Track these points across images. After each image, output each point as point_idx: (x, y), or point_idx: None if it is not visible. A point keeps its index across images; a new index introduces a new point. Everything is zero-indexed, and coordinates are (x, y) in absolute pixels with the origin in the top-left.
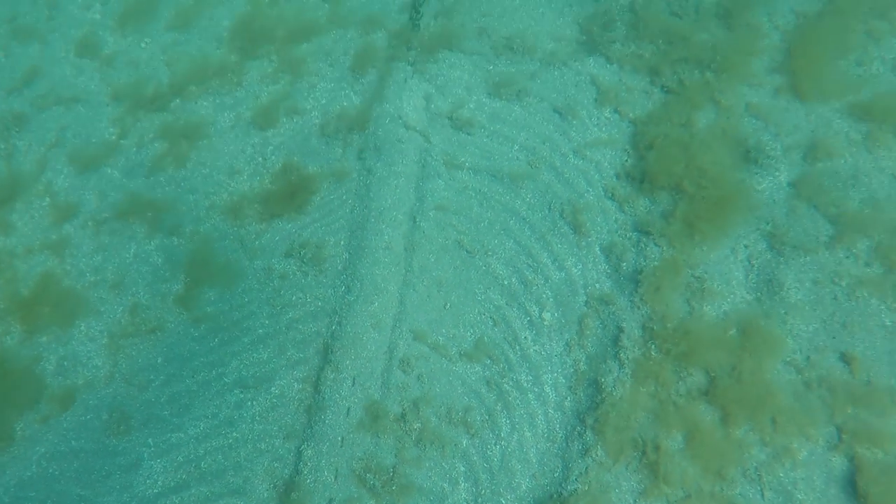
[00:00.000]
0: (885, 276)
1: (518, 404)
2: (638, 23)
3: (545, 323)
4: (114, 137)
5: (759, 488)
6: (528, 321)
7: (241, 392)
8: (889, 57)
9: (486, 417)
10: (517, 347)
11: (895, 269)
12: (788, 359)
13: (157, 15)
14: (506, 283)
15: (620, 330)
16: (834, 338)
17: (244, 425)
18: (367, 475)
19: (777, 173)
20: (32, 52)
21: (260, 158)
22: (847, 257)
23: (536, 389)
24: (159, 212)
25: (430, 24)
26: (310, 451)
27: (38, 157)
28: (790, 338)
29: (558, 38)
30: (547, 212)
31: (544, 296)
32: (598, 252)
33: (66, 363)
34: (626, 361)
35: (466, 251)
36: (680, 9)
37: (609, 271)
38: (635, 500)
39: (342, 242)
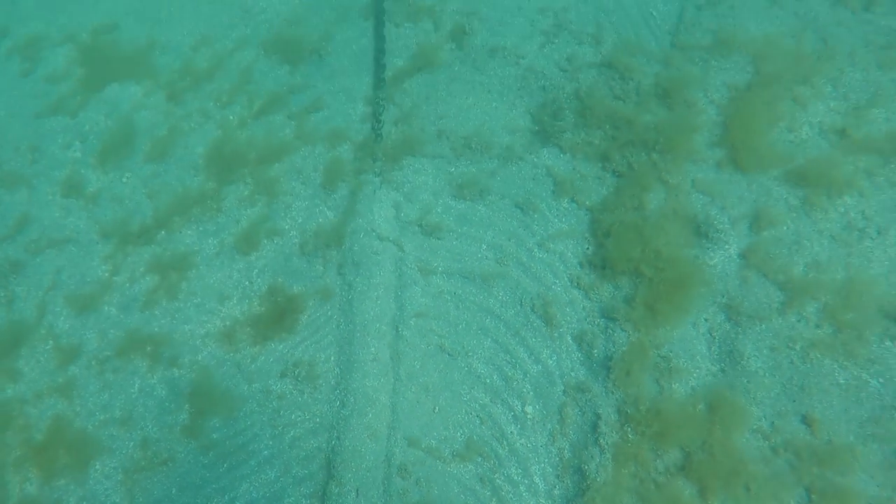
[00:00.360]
0: (834, 335)
1: (511, 498)
2: (584, 110)
3: (528, 416)
4: (107, 275)
5: None
6: (513, 416)
7: None
8: (815, 121)
9: None
10: (505, 443)
11: (843, 328)
12: (755, 426)
13: (134, 148)
14: (488, 381)
15: (598, 416)
16: (794, 401)
17: None
18: None
19: (727, 246)
20: (20, 197)
21: (247, 282)
22: (798, 321)
23: (527, 481)
24: (158, 345)
25: (391, 131)
26: None
27: (38, 301)
28: (754, 405)
29: (513, 130)
30: (519, 307)
31: (525, 390)
32: (570, 341)
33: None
34: (606, 446)
35: (448, 354)
36: (622, 92)
37: (582, 359)
38: None
39: (332, 358)
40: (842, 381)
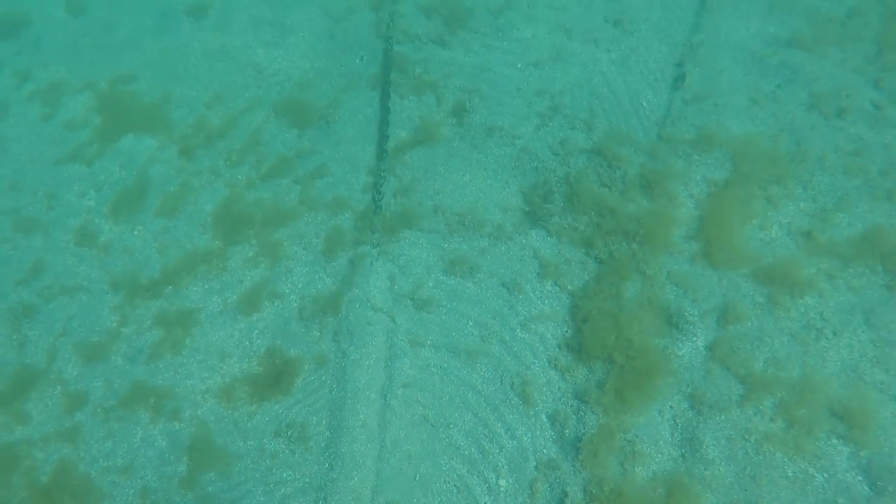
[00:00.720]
0: (786, 430)
1: None
2: (573, 195)
3: (502, 489)
4: (115, 325)
5: None
6: (487, 488)
7: None
8: (785, 221)
9: None
10: None
11: (795, 423)
12: None
13: (146, 202)
14: (466, 453)
15: (565, 493)
16: (745, 490)
17: None
18: None
19: (695, 338)
20: (36, 243)
21: (247, 342)
22: (755, 414)
23: None
24: (161, 398)
25: (390, 203)
26: None
27: (48, 346)
28: (709, 492)
29: (505, 208)
30: (499, 384)
31: (500, 463)
32: (545, 420)
33: None
34: None
35: (431, 425)
36: (609, 180)
37: (554, 437)
38: None
39: (324, 421)
40: (790, 474)
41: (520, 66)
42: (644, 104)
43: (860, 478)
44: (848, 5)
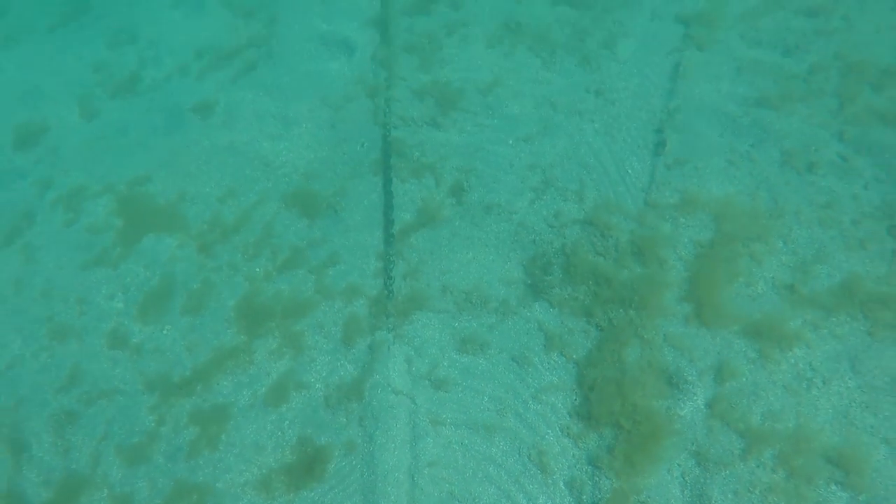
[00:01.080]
0: (788, 480)
1: None
2: (570, 265)
3: None
4: (153, 425)
5: None
6: None
7: None
8: (769, 276)
9: None
10: None
11: (795, 473)
12: None
13: (171, 301)
14: None
15: None
16: None
17: None
18: None
19: (695, 397)
20: (71, 349)
21: (279, 433)
22: (758, 467)
23: None
24: (203, 494)
25: (401, 286)
26: None
27: (91, 450)
28: None
29: (508, 282)
30: (517, 456)
31: None
32: (563, 487)
33: None
34: None
35: (458, 501)
36: (603, 249)
37: (573, 503)
38: None
39: None
40: None
41: (511, 142)
42: (629, 171)
43: None
44: (808, 62)
